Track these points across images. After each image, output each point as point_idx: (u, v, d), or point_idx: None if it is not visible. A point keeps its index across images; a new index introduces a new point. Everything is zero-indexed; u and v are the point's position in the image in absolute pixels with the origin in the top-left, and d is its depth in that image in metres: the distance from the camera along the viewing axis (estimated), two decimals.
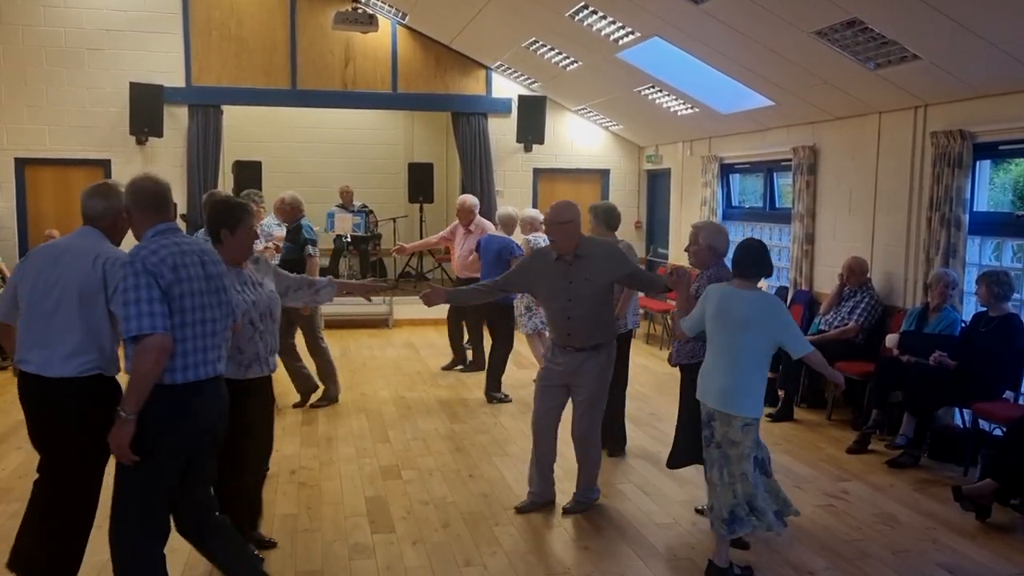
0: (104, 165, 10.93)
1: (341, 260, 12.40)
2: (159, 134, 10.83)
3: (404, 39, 11.67)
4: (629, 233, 12.30)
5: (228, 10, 11.16)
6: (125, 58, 10.84)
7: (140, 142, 10.92)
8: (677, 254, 11.54)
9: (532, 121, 11.80)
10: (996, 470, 4.92)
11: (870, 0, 5.50)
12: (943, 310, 6.27)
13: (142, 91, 10.66)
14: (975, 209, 6.48)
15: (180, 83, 11.01)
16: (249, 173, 12.17)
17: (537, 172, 12.30)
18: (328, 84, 11.53)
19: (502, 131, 12.00)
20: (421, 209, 12.62)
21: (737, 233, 10.32)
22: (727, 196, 10.36)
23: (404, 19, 11.36)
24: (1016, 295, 6.21)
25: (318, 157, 14.64)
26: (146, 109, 10.69)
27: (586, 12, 8.06)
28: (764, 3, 6.14)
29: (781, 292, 8.75)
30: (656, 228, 12.50)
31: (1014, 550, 4.56)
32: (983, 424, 5.82)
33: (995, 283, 5.76)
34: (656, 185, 12.43)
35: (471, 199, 8.74)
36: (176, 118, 11.03)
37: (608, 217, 5.87)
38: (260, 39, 11.28)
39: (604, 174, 12.53)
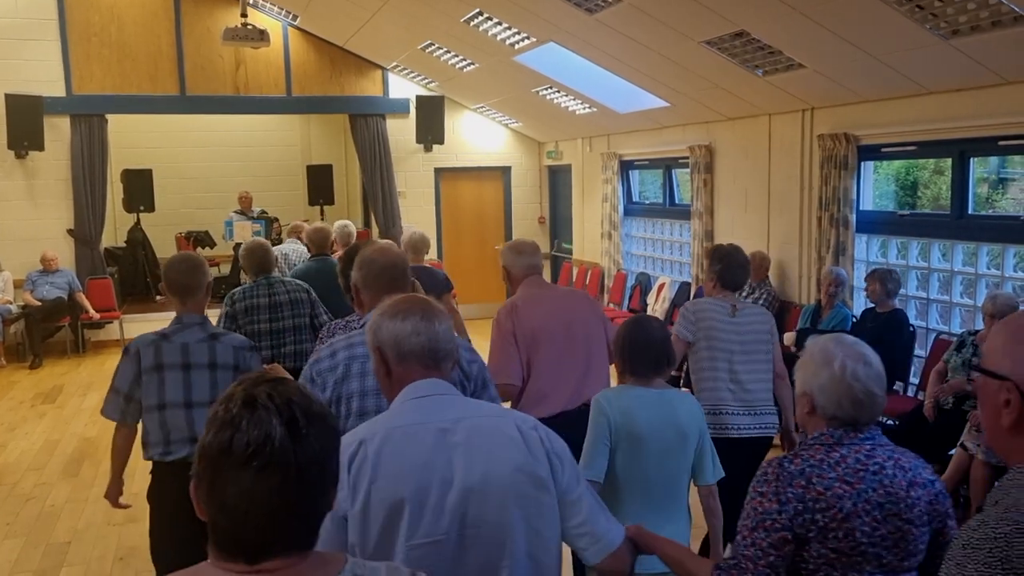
0: None
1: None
2: (40, 147, 10.30)
3: (297, 41, 11.39)
4: (532, 228, 12.41)
5: (108, 14, 10.66)
6: None
7: (20, 156, 10.37)
8: (581, 249, 11.70)
9: (431, 121, 11.69)
10: None
11: (756, 14, 5.66)
12: (835, 307, 6.55)
13: (19, 102, 10.11)
14: (861, 208, 6.77)
15: (60, 92, 10.47)
16: (139, 182, 11.74)
17: (439, 172, 12.22)
18: (219, 89, 11.15)
19: (401, 131, 11.85)
20: (322, 212, 12.40)
21: (639, 229, 10.51)
22: (627, 192, 10.53)
23: (295, 20, 11.09)
24: (902, 290, 6.55)
25: (212, 161, 14.18)
26: (25, 121, 10.14)
27: (481, 18, 8.04)
28: (655, 14, 6.25)
29: (684, 288, 8.98)
30: (559, 223, 12.63)
31: None
32: None
33: (887, 280, 6.07)
34: (557, 180, 12.54)
35: None
36: (58, 129, 10.50)
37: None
38: (144, 44, 10.81)
39: (506, 171, 12.55)
